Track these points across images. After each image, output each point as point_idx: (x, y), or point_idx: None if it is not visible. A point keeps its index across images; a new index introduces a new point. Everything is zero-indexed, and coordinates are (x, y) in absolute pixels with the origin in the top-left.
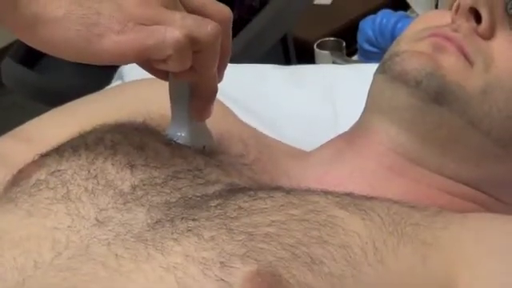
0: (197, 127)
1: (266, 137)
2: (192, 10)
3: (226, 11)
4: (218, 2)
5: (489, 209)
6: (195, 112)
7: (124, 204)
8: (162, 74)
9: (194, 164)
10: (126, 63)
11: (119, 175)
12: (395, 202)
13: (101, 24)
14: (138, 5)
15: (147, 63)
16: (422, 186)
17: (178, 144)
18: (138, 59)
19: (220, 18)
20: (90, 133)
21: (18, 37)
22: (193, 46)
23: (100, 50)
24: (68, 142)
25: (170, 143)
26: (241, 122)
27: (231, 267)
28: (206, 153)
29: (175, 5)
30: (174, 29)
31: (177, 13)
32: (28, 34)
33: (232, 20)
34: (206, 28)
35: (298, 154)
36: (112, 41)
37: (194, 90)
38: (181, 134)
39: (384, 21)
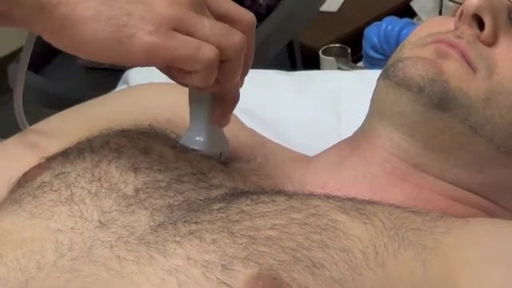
0: (215, 133)
1: (270, 142)
2: (217, 15)
3: (249, 16)
4: (242, 8)
5: (492, 215)
6: (216, 118)
7: (127, 207)
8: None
9: (198, 168)
10: (152, 65)
11: (123, 178)
12: (397, 207)
13: (131, 25)
14: (167, 6)
15: (169, 69)
16: (425, 191)
17: (184, 148)
18: (165, 64)
19: (244, 23)
20: (96, 137)
21: (47, 39)
22: (220, 56)
23: (130, 50)
24: (75, 145)
25: (175, 147)
26: (246, 127)
27: (233, 270)
28: (222, 160)
29: (202, 9)
30: (208, 47)
31: (205, 19)
32: (57, 36)
33: (255, 25)
34: (233, 38)
35: (302, 159)
36: (143, 41)
37: (216, 96)
38: (199, 139)
39: (389, 27)
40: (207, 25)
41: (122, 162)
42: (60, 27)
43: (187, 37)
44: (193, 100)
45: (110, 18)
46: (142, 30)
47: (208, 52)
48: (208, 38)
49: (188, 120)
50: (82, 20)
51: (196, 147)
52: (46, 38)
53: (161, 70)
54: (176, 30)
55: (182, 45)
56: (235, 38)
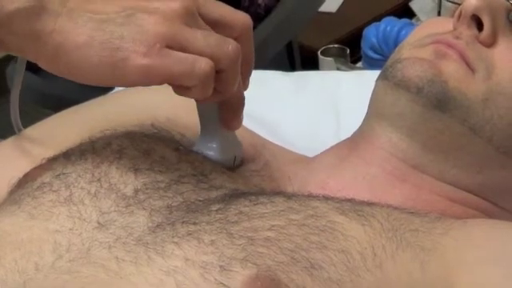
0: (227, 137)
1: (270, 144)
2: (212, 22)
3: (245, 19)
4: (237, 11)
5: (491, 216)
6: (225, 123)
7: (126, 207)
8: None
9: (199, 169)
10: (150, 85)
11: (123, 179)
12: (395, 208)
13: (124, 48)
14: (159, 24)
15: (170, 85)
16: (424, 191)
17: (186, 149)
18: (163, 83)
19: (240, 26)
20: (99, 138)
21: (43, 67)
22: (215, 67)
23: (125, 74)
24: (77, 146)
25: (177, 149)
26: (246, 128)
27: (231, 271)
28: (237, 163)
29: (195, 20)
30: (202, 61)
31: (198, 31)
32: (52, 64)
33: (252, 27)
34: (227, 48)
35: (301, 160)
36: (138, 64)
37: (222, 102)
38: (212, 145)
39: (388, 28)
40: (200, 37)
41: (122, 163)
42: (55, 55)
43: (181, 53)
44: (200, 108)
45: (102, 42)
46: (134, 52)
47: (203, 66)
48: (202, 51)
49: (189, 120)
50: (76, 46)
51: (209, 153)
52: (42, 65)
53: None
54: (169, 46)
55: (176, 62)
56: (229, 47)
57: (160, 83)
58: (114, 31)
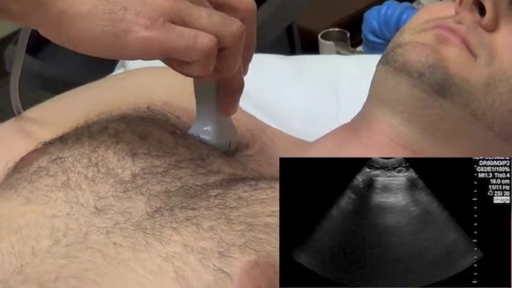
0: (223, 122)
1: (269, 128)
2: (217, 4)
3: (250, 3)
4: None
5: None
6: (222, 107)
7: (124, 192)
8: None
9: (196, 153)
10: (151, 59)
11: (120, 163)
12: None
13: (127, 19)
14: None
15: (169, 61)
16: None
17: (183, 133)
18: (164, 57)
19: (245, 10)
20: (95, 122)
21: (44, 35)
22: (218, 44)
23: (127, 45)
24: (73, 130)
25: (174, 132)
26: (245, 112)
27: (230, 257)
28: (232, 149)
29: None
30: (205, 36)
31: (203, 9)
32: (54, 31)
33: (256, 12)
34: (231, 26)
35: (300, 145)
36: (139, 36)
37: (221, 85)
38: (207, 129)
39: (389, 12)
40: (204, 15)
41: (120, 148)
42: (57, 22)
43: (183, 28)
44: (198, 90)
45: (105, 12)
46: (137, 24)
47: (206, 41)
48: (205, 28)
49: (185, 103)
50: (79, 15)
51: (205, 137)
52: (43, 33)
53: (162, 61)
54: (173, 21)
55: (179, 36)
56: (233, 25)
57: (162, 57)
58: (118, 2)
